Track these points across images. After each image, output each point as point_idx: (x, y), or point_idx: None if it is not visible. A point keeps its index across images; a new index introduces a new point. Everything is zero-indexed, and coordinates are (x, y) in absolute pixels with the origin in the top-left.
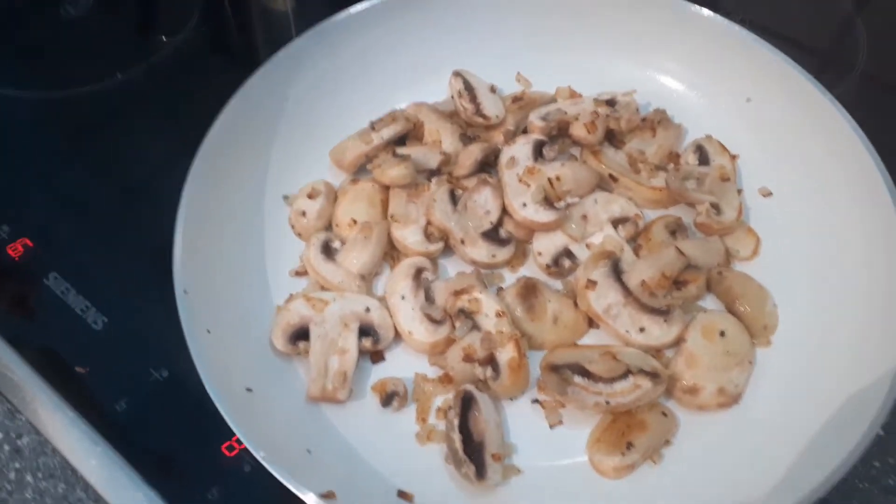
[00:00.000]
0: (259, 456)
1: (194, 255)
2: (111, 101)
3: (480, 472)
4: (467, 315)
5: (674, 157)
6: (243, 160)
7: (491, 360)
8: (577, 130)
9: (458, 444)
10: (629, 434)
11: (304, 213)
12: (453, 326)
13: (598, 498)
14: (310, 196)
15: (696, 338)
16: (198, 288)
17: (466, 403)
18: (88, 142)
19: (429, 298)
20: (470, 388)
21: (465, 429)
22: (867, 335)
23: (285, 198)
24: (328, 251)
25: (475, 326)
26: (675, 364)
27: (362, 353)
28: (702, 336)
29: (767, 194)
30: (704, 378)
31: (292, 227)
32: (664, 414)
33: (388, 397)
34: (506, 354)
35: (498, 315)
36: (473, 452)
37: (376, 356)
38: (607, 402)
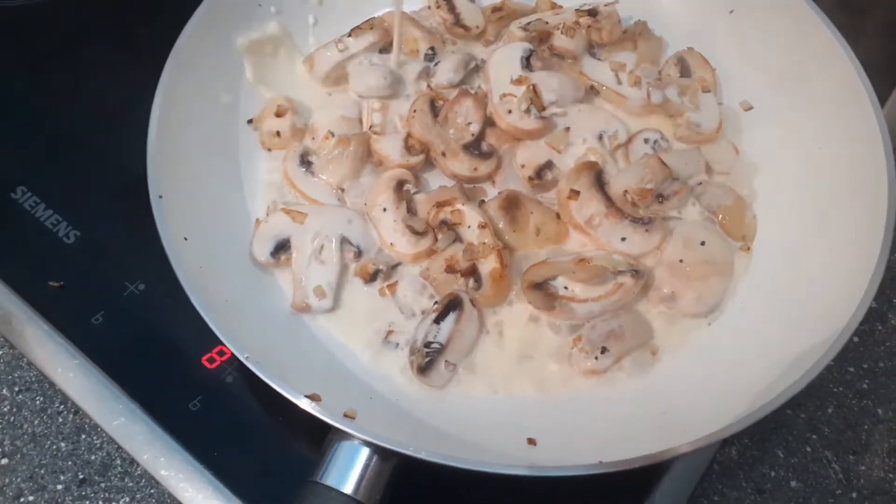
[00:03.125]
0: (243, 357)
1: (168, 161)
2: (74, 13)
3: (425, 368)
4: (450, 227)
5: (655, 69)
6: (215, 67)
7: (473, 272)
8: (559, 40)
9: (422, 334)
10: (605, 340)
11: (277, 133)
12: (435, 238)
13: (578, 408)
14: (277, 115)
15: (676, 247)
16: (173, 194)
17: (452, 305)
18: (55, 54)
19: (411, 210)
20: (462, 294)
21: (436, 324)
22: (845, 246)
23: (250, 122)
24: (306, 164)
25: (457, 238)
26: (655, 272)
27: (345, 264)
28: (682, 245)
29: (748, 108)
30: (683, 286)
31: (268, 149)
32: (640, 321)
33: (373, 275)
34: (488, 265)
35: (480, 226)
36: (431, 348)
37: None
38: (597, 310)
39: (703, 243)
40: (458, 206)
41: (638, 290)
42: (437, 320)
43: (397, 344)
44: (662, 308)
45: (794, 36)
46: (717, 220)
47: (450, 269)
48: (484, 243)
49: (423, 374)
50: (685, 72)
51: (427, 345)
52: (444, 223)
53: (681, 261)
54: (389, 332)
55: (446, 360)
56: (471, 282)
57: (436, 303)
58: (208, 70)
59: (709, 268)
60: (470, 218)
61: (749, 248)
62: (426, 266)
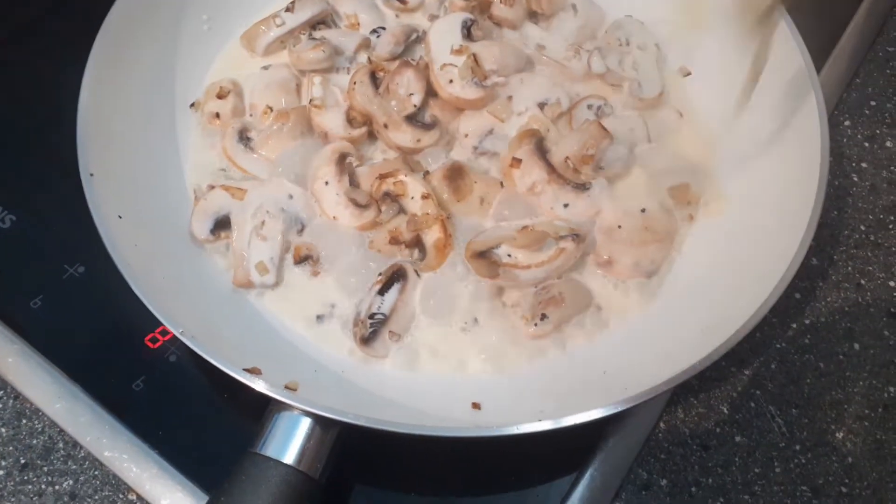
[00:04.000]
0: (177, 332)
1: (99, 138)
2: None
3: (368, 339)
4: (393, 198)
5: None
6: (147, 40)
7: (418, 242)
8: (498, 10)
9: (366, 306)
10: (544, 306)
11: (217, 115)
12: (379, 210)
13: (521, 373)
14: (219, 96)
15: (615, 213)
16: (105, 171)
17: (396, 276)
18: None
19: (353, 183)
20: (407, 265)
21: (380, 295)
22: (782, 205)
23: (192, 106)
24: (245, 140)
25: (401, 210)
26: (595, 237)
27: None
28: (621, 212)
29: (687, 73)
30: (621, 252)
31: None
32: (579, 288)
33: (302, 259)
34: (432, 235)
35: (423, 197)
36: (375, 319)
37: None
38: (540, 276)
39: (643, 210)
40: (401, 177)
41: (580, 254)
42: (381, 291)
43: (340, 317)
44: (599, 273)
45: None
46: (661, 186)
47: (394, 241)
48: (427, 214)
49: (366, 344)
50: (624, 39)
51: (371, 316)
52: (387, 195)
53: (619, 227)
54: (333, 307)
55: (390, 331)
56: (415, 252)
57: (380, 274)
58: (141, 45)
59: (647, 234)
60: (413, 189)
61: (692, 217)
62: (370, 238)
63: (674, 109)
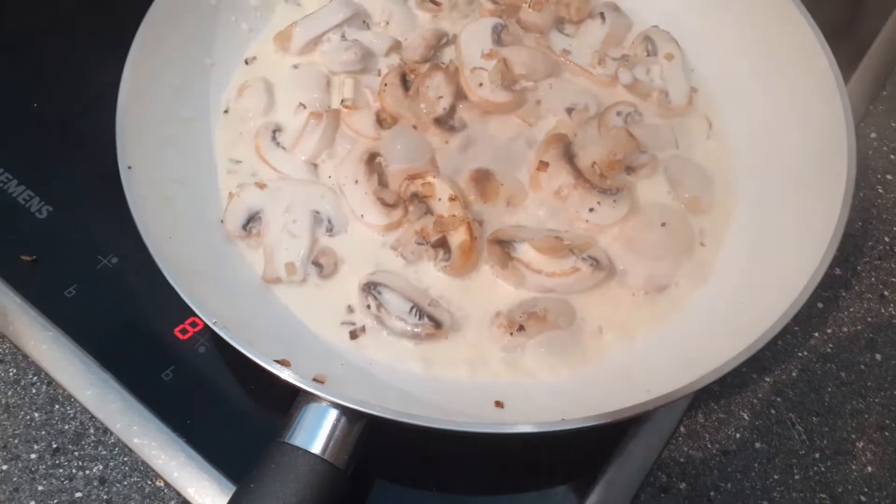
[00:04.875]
0: (211, 322)
1: (137, 132)
2: None
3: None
4: (421, 199)
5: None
6: (187, 38)
7: (443, 243)
8: (527, 14)
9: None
10: (525, 319)
11: (249, 114)
12: (406, 210)
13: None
14: (248, 94)
15: (635, 224)
16: (142, 164)
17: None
18: (31, 34)
19: (382, 183)
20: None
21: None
22: (806, 217)
23: (226, 112)
24: (278, 139)
25: (428, 211)
26: (611, 247)
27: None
28: (641, 224)
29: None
30: (636, 263)
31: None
32: (565, 309)
33: (317, 265)
34: (458, 237)
35: (451, 199)
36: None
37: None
38: (547, 285)
39: (663, 224)
40: (430, 178)
41: (593, 282)
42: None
43: (367, 308)
44: (615, 281)
45: (762, 13)
46: (680, 195)
47: (420, 241)
48: (454, 216)
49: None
50: (652, 50)
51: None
52: (415, 196)
53: (638, 239)
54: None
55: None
56: (441, 253)
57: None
58: (179, 42)
59: (664, 249)
60: (441, 190)
61: (703, 244)
62: (396, 238)
63: (704, 118)
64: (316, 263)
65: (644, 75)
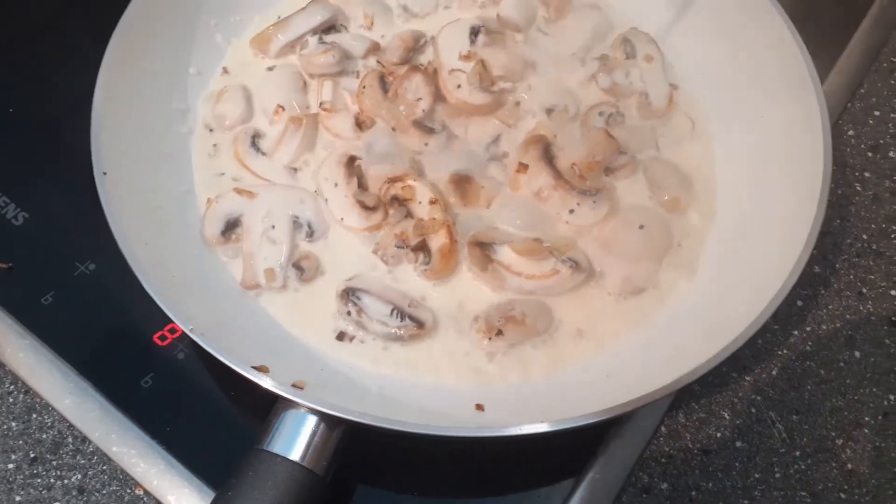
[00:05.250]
0: (187, 329)
1: (113, 138)
2: None
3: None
4: (401, 202)
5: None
6: (160, 42)
7: (423, 247)
8: (506, 10)
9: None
10: (503, 323)
11: (226, 120)
12: (386, 213)
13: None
14: (225, 100)
15: (613, 226)
16: (117, 170)
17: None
18: (8, 39)
19: (362, 186)
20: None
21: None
22: (788, 217)
23: (204, 117)
24: (256, 144)
25: (409, 214)
26: (588, 249)
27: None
28: (619, 225)
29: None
30: (613, 266)
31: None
32: (543, 312)
33: (298, 268)
34: (438, 241)
35: (431, 202)
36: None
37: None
38: (526, 287)
39: (641, 227)
40: (410, 181)
41: (573, 284)
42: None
43: (348, 315)
44: (592, 283)
45: (738, 11)
46: (660, 197)
47: (400, 245)
48: (434, 219)
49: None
50: (631, 52)
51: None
52: (395, 199)
53: (616, 241)
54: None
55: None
56: (420, 256)
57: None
58: (155, 45)
59: (643, 250)
60: (421, 194)
61: (681, 245)
62: (377, 241)
63: (686, 117)
64: (297, 267)
65: (623, 79)
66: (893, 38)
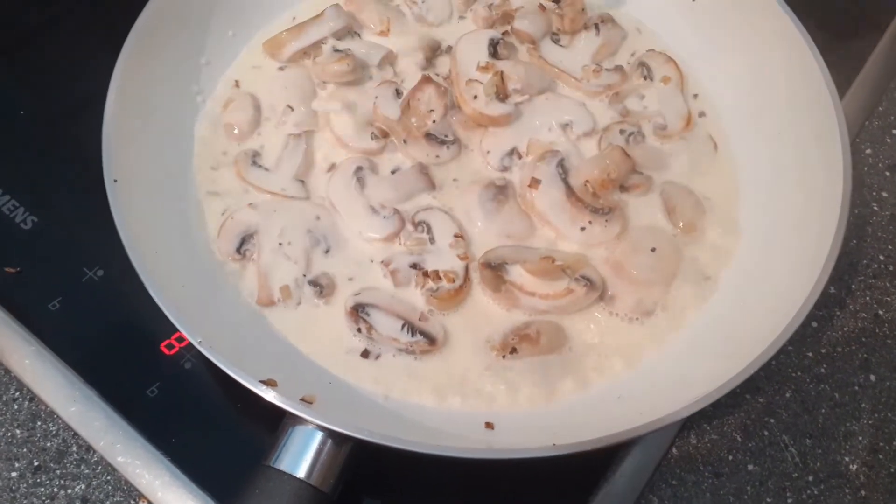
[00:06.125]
0: (195, 342)
1: (124, 145)
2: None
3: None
4: (428, 227)
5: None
6: (174, 52)
7: (437, 277)
8: (520, 23)
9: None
10: (518, 342)
11: (234, 129)
12: (401, 223)
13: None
14: (235, 108)
15: (624, 249)
16: (128, 178)
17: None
18: (16, 42)
19: (374, 195)
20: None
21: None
22: (805, 236)
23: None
24: (259, 163)
25: (431, 238)
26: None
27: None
28: (631, 249)
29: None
30: (624, 289)
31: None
32: (558, 332)
33: (315, 284)
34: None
35: (456, 236)
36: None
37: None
38: (540, 307)
39: (653, 249)
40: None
41: (587, 302)
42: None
43: (358, 332)
44: (600, 306)
45: (758, 27)
46: (675, 220)
47: (415, 266)
48: (454, 273)
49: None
50: (648, 75)
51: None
52: (423, 222)
53: (628, 264)
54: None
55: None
56: (429, 283)
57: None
58: (166, 55)
59: (654, 274)
60: (445, 226)
61: (698, 266)
62: (389, 257)
63: (708, 138)
64: (315, 284)
65: (637, 104)
66: None
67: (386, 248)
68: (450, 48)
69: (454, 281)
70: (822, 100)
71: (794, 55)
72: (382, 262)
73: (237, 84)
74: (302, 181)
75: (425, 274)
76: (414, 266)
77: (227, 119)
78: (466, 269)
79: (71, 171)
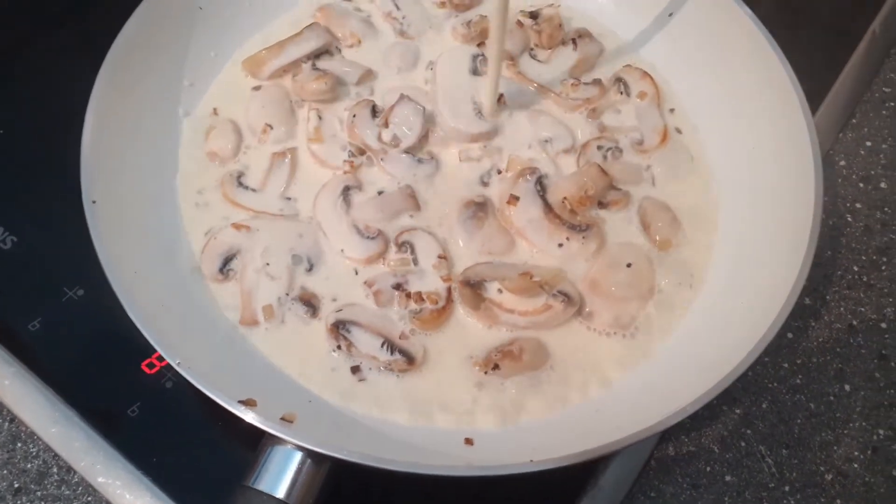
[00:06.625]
0: (174, 363)
1: (103, 166)
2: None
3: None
4: (412, 248)
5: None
6: (152, 71)
7: (420, 298)
8: None
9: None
10: (500, 358)
11: (217, 156)
12: (384, 245)
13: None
14: (207, 135)
15: (601, 266)
16: (107, 199)
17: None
18: None
19: (358, 215)
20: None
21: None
22: (779, 248)
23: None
24: (244, 183)
25: (415, 260)
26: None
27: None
28: (607, 265)
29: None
30: (602, 305)
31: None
32: (540, 349)
33: (307, 303)
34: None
35: (440, 257)
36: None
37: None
38: (520, 323)
39: (629, 265)
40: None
41: (566, 318)
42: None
43: (338, 349)
44: (579, 322)
45: (732, 43)
46: (651, 235)
47: (398, 287)
48: (436, 294)
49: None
50: (625, 90)
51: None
52: (406, 242)
53: (604, 281)
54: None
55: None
56: (411, 304)
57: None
58: (145, 75)
59: (630, 290)
60: (429, 247)
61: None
62: (372, 277)
63: (686, 152)
64: (299, 302)
65: (613, 119)
66: (885, 68)
67: (369, 268)
68: (430, 63)
69: (437, 302)
70: (794, 114)
71: (767, 70)
72: (365, 282)
73: (215, 112)
74: (289, 198)
75: (408, 295)
76: (397, 287)
77: (210, 148)
78: (449, 291)
79: (50, 190)
